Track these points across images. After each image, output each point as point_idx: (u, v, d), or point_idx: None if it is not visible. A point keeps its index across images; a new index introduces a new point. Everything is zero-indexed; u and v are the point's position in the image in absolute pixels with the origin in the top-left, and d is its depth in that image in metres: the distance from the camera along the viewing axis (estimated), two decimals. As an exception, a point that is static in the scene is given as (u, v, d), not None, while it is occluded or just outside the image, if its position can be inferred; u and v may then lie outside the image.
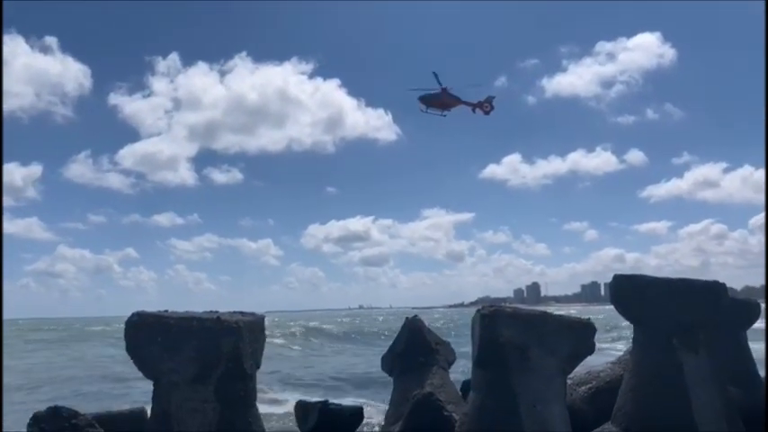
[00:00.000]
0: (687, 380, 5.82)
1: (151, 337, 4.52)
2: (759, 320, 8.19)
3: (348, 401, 12.19)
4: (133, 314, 4.64)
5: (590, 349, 5.35)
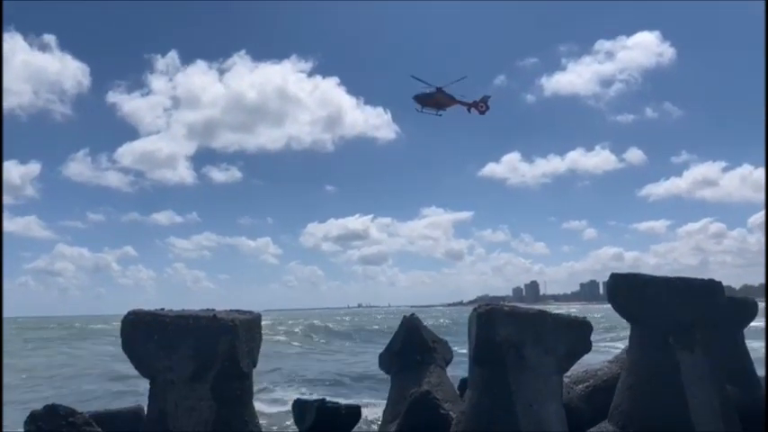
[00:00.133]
0: (684, 378, 5.83)
1: (147, 335, 4.52)
2: (759, 319, 8.20)
3: (351, 400, 12.22)
4: (129, 312, 4.65)
5: (587, 348, 5.36)
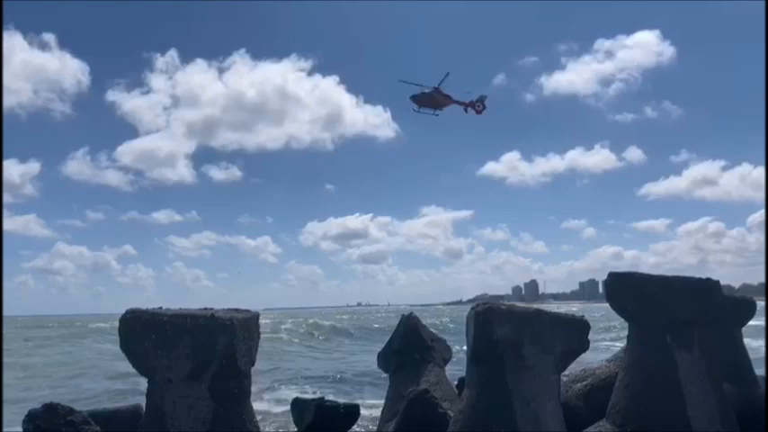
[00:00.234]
0: (681, 377, 5.84)
1: (145, 334, 4.51)
2: (759, 318, 8.21)
3: (353, 398, 12.23)
4: (127, 311, 4.65)
5: (584, 347, 5.37)
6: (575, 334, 5.30)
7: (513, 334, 5.03)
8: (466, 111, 36.31)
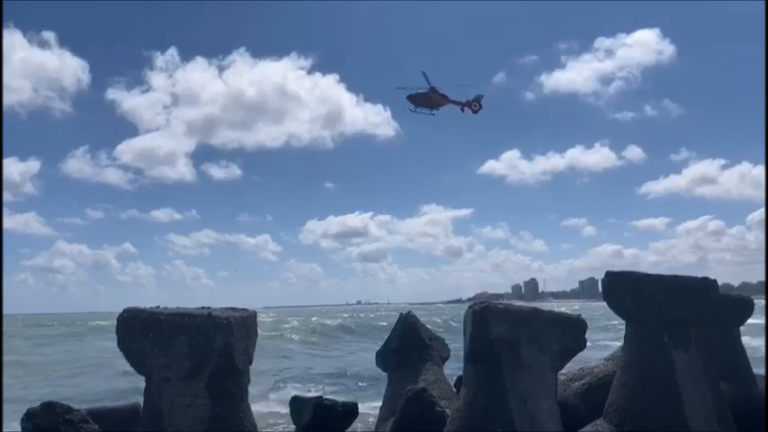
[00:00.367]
0: (678, 376, 5.85)
1: (143, 332, 4.52)
2: (759, 317, 8.22)
3: (356, 397, 12.21)
4: (125, 310, 4.66)
5: (581, 346, 5.38)
6: (571, 333, 5.31)
7: (510, 333, 5.05)
8: (462, 110, 36.38)
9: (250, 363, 4.90)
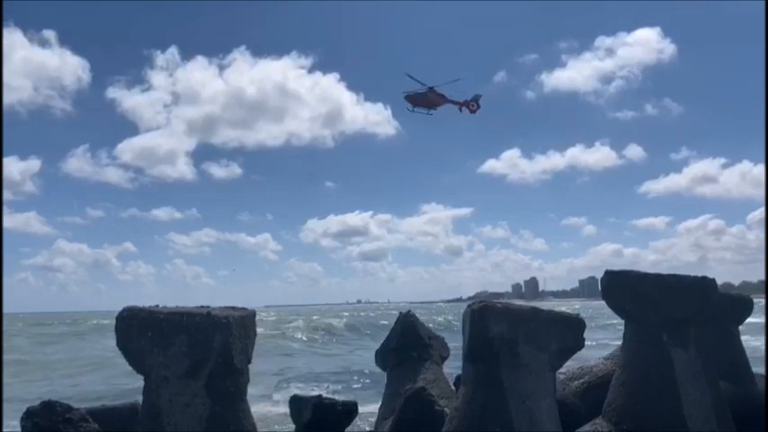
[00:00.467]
0: (677, 375, 5.85)
1: (141, 331, 4.52)
2: (759, 316, 8.22)
3: (358, 396, 12.21)
4: (124, 309, 4.66)
5: (579, 345, 5.38)
6: (570, 332, 5.31)
7: (509, 332, 5.05)
8: (460, 110, 36.44)
9: (249, 362, 4.91)
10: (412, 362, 7.78)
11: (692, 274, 6.15)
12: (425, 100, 34.99)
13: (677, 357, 5.92)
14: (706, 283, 6.07)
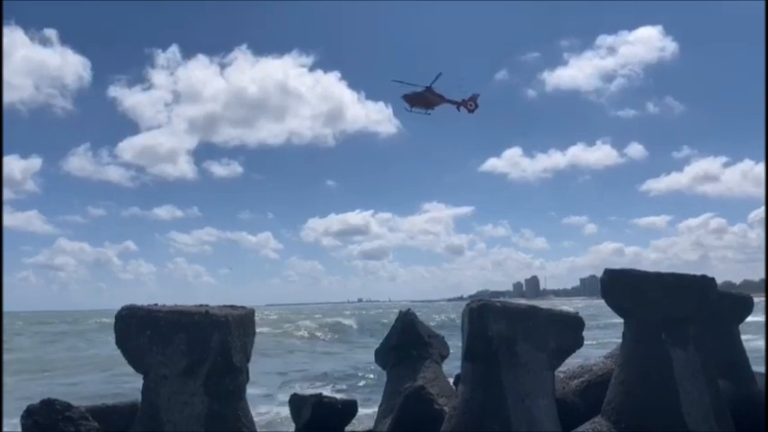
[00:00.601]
0: (676, 374, 5.85)
1: (140, 330, 4.53)
2: (759, 315, 8.20)
3: (360, 395, 12.21)
4: (123, 308, 4.66)
5: (578, 344, 5.38)
6: (569, 331, 5.31)
7: (508, 331, 5.05)
8: (458, 109, 36.46)
9: (248, 361, 4.91)
10: (412, 360, 7.77)
11: (694, 272, 6.15)
12: (423, 100, 35.01)
13: (676, 356, 5.91)
14: (705, 282, 6.06)
